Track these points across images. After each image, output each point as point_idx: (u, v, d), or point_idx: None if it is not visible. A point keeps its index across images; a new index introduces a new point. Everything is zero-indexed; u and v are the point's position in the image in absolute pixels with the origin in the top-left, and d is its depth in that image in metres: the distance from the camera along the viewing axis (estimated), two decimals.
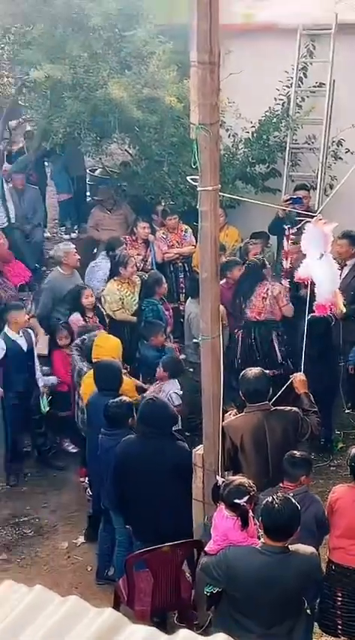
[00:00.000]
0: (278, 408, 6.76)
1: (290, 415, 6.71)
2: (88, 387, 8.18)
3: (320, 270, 6.58)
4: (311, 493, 6.44)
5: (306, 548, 5.45)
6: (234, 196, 8.98)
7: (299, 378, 7.10)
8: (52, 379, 9.64)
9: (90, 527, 8.36)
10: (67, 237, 14.27)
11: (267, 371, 7.38)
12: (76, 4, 11.00)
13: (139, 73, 11.20)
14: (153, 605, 6.70)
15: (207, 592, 5.64)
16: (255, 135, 12.44)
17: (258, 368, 7.01)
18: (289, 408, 6.79)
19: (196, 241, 10.40)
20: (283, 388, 7.05)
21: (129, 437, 7.07)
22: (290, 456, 6.31)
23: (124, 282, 10.30)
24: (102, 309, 10.14)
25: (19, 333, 9.20)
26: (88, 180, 15.31)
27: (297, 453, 6.40)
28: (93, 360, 8.34)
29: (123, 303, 10.23)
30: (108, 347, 8.50)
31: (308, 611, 5.52)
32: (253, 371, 6.87)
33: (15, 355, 9.16)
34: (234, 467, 6.64)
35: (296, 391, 7.08)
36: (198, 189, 6.09)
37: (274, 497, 5.39)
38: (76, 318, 9.79)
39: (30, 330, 9.41)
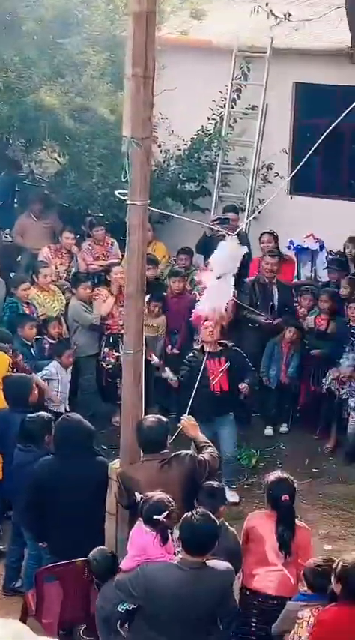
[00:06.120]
0: (175, 454, 6.44)
1: (186, 462, 6.41)
2: None
3: (213, 287, 6.76)
4: (226, 525, 6.35)
5: (222, 563, 5.47)
6: (163, 212, 9.01)
7: (186, 423, 6.84)
8: None
9: None
10: None
11: None
12: (11, 7, 10.92)
13: (72, 82, 11.16)
14: (61, 618, 6.62)
15: (122, 609, 5.59)
16: (186, 152, 12.50)
17: (154, 417, 6.65)
18: (185, 453, 6.50)
19: (122, 255, 10.43)
20: (175, 434, 6.75)
21: (47, 458, 6.86)
22: (208, 487, 6.25)
23: (44, 290, 10.27)
24: None
25: None
26: (16, 186, 15.14)
27: (214, 484, 6.34)
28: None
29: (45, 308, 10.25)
30: None
31: (220, 626, 5.51)
32: (148, 420, 6.51)
33: None
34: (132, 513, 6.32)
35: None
36: (127, 202, 6.09)
37: (193, 512, 5.39)
38: None
39: None
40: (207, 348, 8.95)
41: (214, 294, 6.79)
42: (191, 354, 9.23)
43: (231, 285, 6.81)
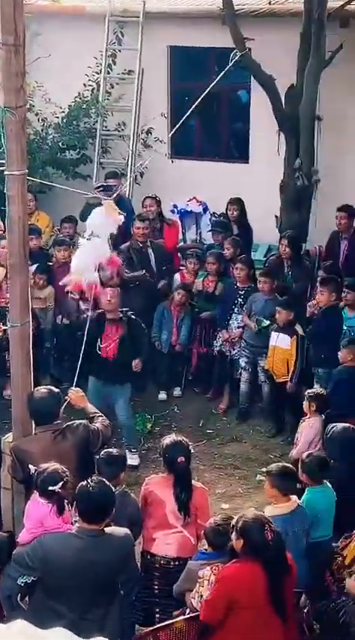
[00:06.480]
0: (68, 424, 6.44)
1: (79, 431, 6.41)
2: None
3: (81, 248, 6.82)
4: (127, 492, 6.42)
5: (120, 530, 5.50)
6: (42, 181, 8.90)
7: (73, 395, 6.81)
8: None
9: None
10: None
11: None
12: None
13: None
14: None
15: (21, 582, 5.57)
16: (64, 120, 12.35)
17: (46, 387, 6.60)
18: (78, 423, 6.49)
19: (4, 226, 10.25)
20: (63, 405, 6.64)
21: None
22: (107, 455, 6.27)
23: None
24: None
25: None
26: None
27: (113, 451, 6.38)
28: None
29: None
30: None
31: (121, 592, 5.55)
32: (40, 391, 6.46)
33: None
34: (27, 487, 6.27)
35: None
36: (5, 173, 5.99)
37: (88, 480, 5.41)
38: None
39: None
40: (108, 315, 8.94)
41: (83, 255, 6.77)
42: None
43: (104, 246, 6.79)
